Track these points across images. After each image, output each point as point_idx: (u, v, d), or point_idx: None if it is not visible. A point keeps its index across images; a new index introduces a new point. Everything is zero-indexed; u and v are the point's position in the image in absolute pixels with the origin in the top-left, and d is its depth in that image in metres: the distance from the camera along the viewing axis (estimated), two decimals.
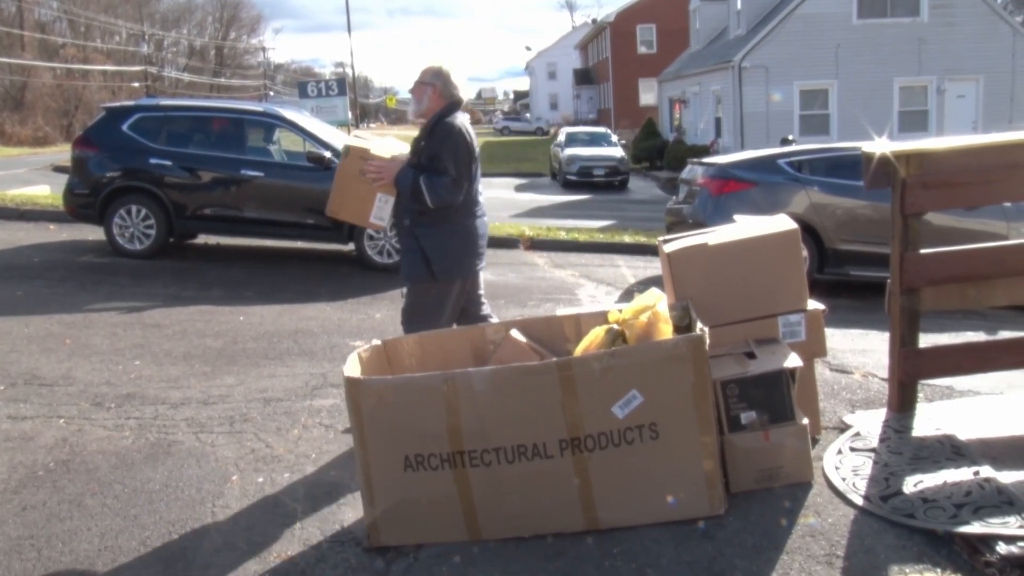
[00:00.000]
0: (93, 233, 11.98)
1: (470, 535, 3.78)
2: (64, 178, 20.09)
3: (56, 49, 55.61)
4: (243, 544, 3.96)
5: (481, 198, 5.22)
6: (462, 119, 5.01)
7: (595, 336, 4.04)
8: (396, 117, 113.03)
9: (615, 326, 4.04)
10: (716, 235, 4.66)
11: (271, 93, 76.39)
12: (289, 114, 11.74)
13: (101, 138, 11.20)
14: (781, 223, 4.64)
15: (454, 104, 5.04)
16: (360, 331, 7.70)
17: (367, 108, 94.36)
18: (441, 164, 4.82)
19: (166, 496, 4.46)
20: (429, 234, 4.95)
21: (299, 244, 11.66)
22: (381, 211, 5.12)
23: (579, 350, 4.08)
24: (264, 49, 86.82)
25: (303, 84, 31.99)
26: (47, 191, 17.22)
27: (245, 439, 5.20)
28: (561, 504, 3.73)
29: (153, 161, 10.82)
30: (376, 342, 4.30)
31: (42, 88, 50.42)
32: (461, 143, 4.89)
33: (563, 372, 3.63)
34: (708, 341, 3.71)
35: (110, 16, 60.96)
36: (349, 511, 4.26)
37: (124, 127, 11.05)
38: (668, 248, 4.58)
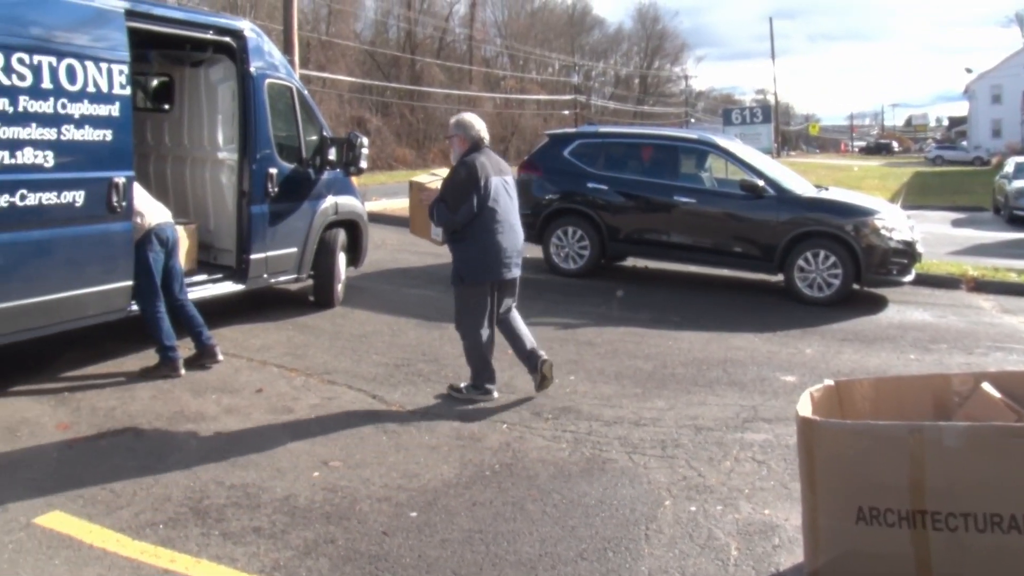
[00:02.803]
0: (529, 251, 12.75)
1: None
2: None
3: (497, 81, 60.58)
4: (676, 572, 3.96)
5: (509, 217, 6.26)
6: (480, 158, 6.11)
7: None
8: (818, 144, 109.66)
9: None
10: None
11: (692, 120, 77.45)
12: (723, 142, 11.74)
13: (544, 162, 11.94)
14: None
15: (476, 144, 6.20)
16: (790, 366, 7.46)
17: (787, 135, 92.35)
18: (444, 193, 6.09)
19: (601, 512, 4.58)
20: (456, 247, 6.23)
21: (723, 271, 11.60)
22: (437, 229, 6.38)
23: None
24: (686, 77, 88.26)
25: (727, 111, 32.11)
26: None
27: (677, 465, 5.21)
28: None
29: (590, 185, 11.35)
30: (828, 382, 4.10)
31: (484, 116, 54.89)
32: (462, 177, 6.03)
33: None
34: None
35: (545, 50, 65.25)
36: (784, 555, 4.11)
37: (565, 152, 11.71)
38: None
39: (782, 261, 10.29)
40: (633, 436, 5.69)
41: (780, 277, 10.60)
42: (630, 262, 12.49)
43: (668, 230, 10.98)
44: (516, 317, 6.58)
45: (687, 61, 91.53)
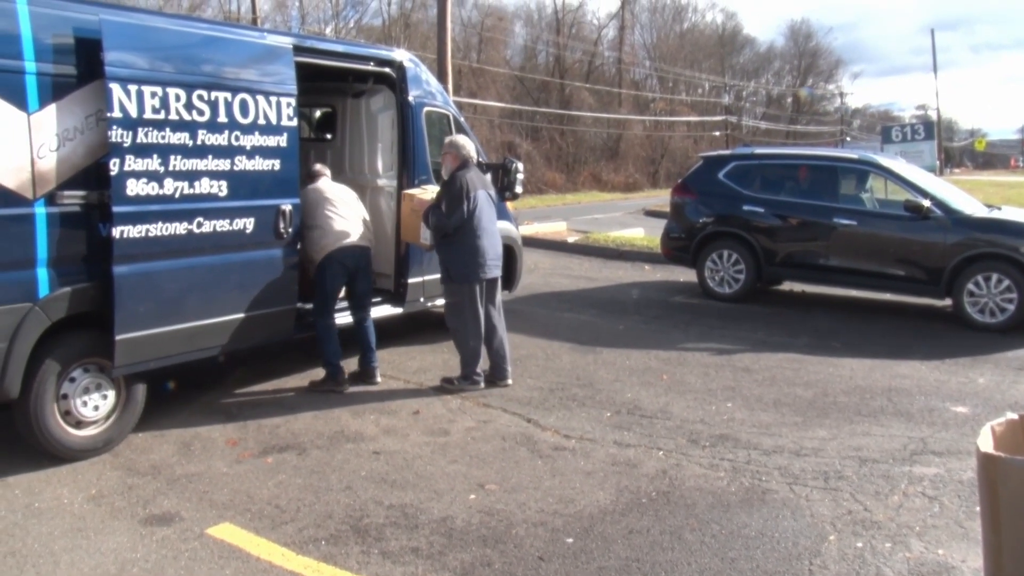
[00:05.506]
0: (683, 275, 12.65)
1: None
2: (654, 222, 21.71)
3: (646, 103, 60.24)
4: None
5: (490, 225, 7.15)
6: (469, 173, 7.07)
7: None
8: (983, 161, 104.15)
9: None
10: None
11: (847, 139, 74.80)
12: (885, 161, 11.28)
13: (698, 185, 11.79)
14: None
15: (465, 162, 7.15)
16: (961, 396, 7.08)
17: (951, 152, 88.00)
18: (440, 200, 7.00)
19: (762, 545, 4.44)
20: (445, 250, 7.10)
21: (886, 296, 11.14)
22: (426, 234, 7.26)
23: None
24: (841, 95, 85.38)
25: (887, 128, 30.96)
26: (641, 233, 18.55)
27: (841, 498, 5.01)
28: None
29: (746, 208, 11.13)
30: (1011, 415, 3.85)
31: (634, 139, 54.91)
32: (456, 188, 6.94)
33: None
34: None
35: (695, 71, 64.49)
36: None
37: (720, 175, 11.51)
38: None
39: (950, 285, 9.80)
40: (794, 466, 5.51)
41: (948, 302, 10.09)
42: (786, 286, 12.16)
43: (827, 253, 10.62)
44: (498, 322, 7.36)
45: (842, 78, 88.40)
